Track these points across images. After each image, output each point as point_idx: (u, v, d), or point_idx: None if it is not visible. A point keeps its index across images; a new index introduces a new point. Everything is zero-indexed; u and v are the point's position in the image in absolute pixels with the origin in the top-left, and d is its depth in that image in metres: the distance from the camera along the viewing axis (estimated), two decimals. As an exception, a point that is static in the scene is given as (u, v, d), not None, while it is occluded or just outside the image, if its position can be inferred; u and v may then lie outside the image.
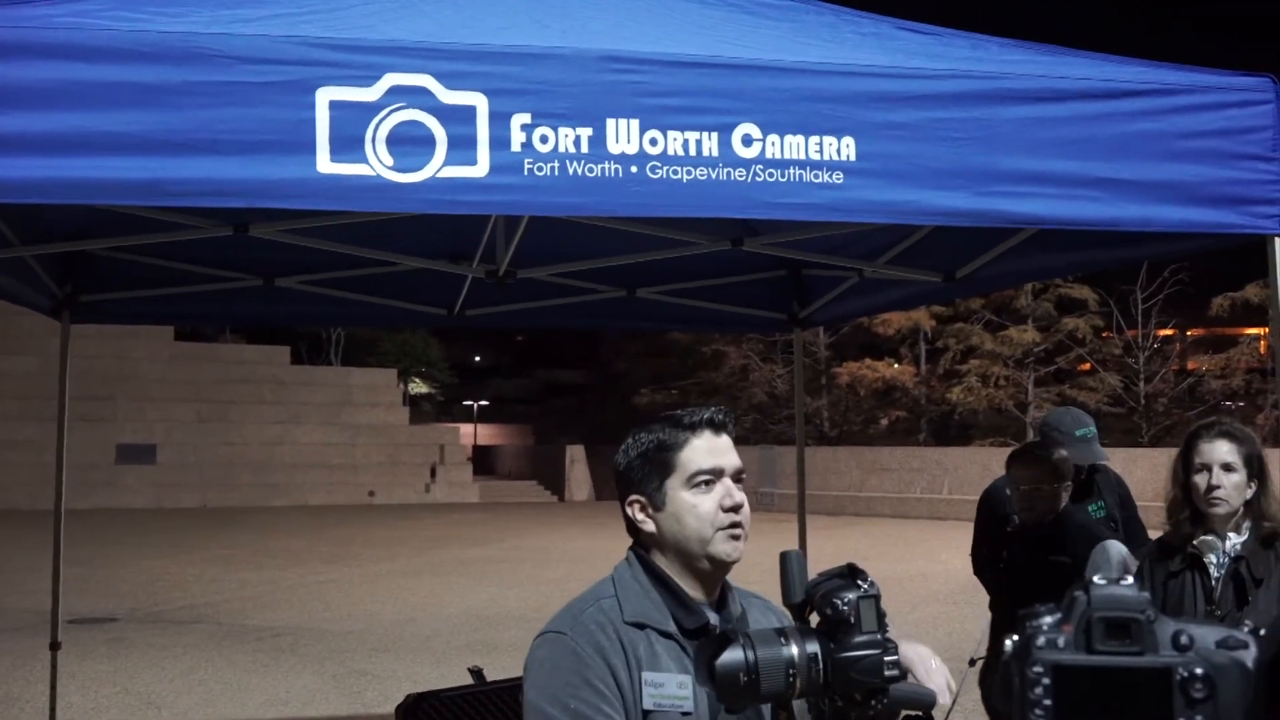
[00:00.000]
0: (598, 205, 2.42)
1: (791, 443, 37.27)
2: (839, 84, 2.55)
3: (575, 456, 41.41)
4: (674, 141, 2.43)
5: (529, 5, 2.65)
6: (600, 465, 40.72)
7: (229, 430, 35.43)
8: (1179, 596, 3.40)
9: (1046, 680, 0.99)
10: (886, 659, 1.60)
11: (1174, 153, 2.82)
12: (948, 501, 24.17)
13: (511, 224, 4.24)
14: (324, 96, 2.30)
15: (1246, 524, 3.37)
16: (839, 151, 2.51)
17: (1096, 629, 1.01)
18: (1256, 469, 3.37)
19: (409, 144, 2.32)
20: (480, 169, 2.35)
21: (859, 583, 1.67)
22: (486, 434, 69.76)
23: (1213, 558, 3.39)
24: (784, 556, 1.83)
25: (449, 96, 2.35)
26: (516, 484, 43.92)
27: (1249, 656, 1.02)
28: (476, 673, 4.30)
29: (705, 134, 2.44)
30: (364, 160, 2.31)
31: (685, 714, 1.92)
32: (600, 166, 2.39)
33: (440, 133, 2.33)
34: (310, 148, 2.29)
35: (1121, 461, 23.43)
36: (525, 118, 2.37)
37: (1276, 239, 2.88)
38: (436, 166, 2.33)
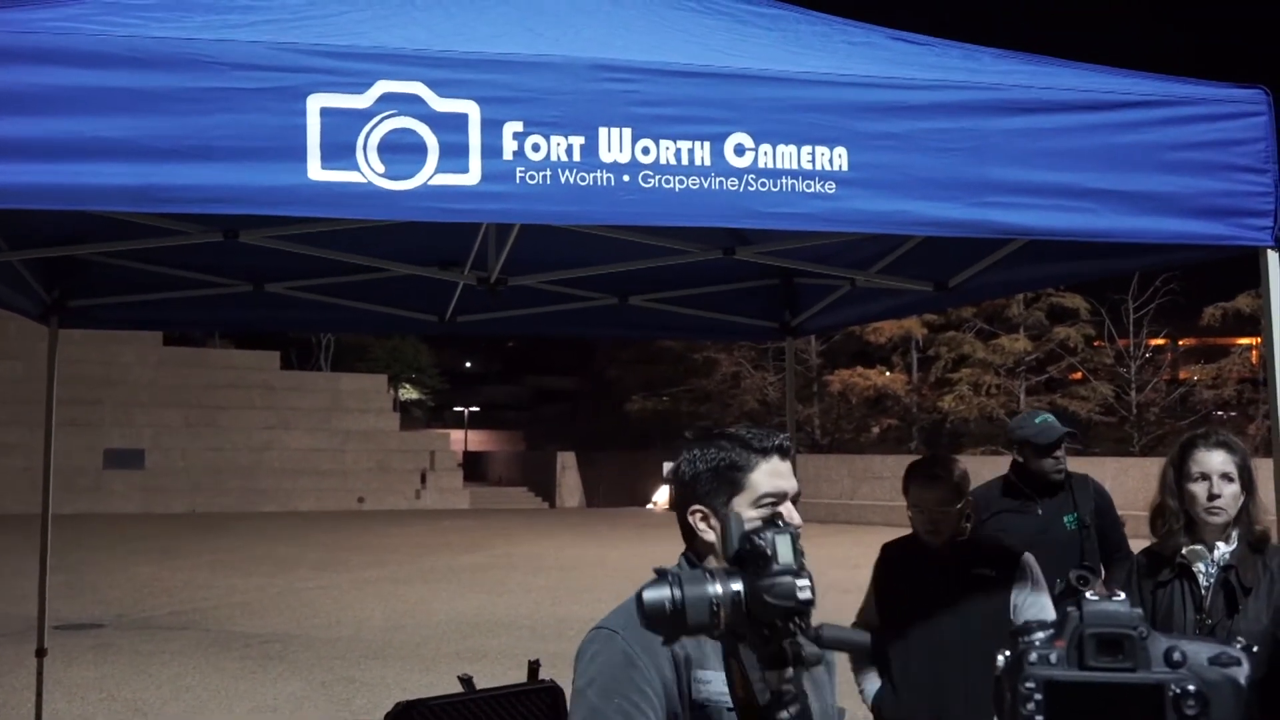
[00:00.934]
0: (590, 214, 2.42)
1: (782, 450, 37.54)
2: (831, 94, 2.54)
3: (566, 463, 41.41)
4: (666, 150, 2.42)
5: (522, 13, 2.65)
6: (591, 472, 40.74)
7: (218, 435, 35.36)
8: (1168, 607, 3.40)
9: (1039, 696, 0.99)
10: (799, 583, 1.72)
11: (1166, 164, 2.82)
12: (938, 510, 24.17)
13: (503, 231, 4.23)
14: (315, 103, 2.29)
15: (1235, 533, 3.38)
16: (831, 161, 2.51)
17: (1089, 645, 1.00)
18: (1247, 479, 3.38)
19: (401, 151, 2.31)
20: (472, 177, 2.34)
21: (778, 523, 1.85)
22: (477, 440, 69.72)
23: (1201, 566, 3.39)
24: (723, 517, 2.04)
25: (441, 104, 2.34)
26: (507, 490, 43.93)
27: (1241, 673, 1.02)
28: (466, 681, 4.29)
29: (697, 143, 2.44)
30: (355, 167, 2.30)
31: (730, 709, 2.00)
32: (592, 175, 2.39)
33: (432, 140, 2.33)
34: (301, 154, 2.28)
35: (1113, 471, 23.45)
36: (517, 126, 2.37)
37: (1269, 251, 2.88)
38: (428, 174, 2.32)
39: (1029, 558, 3.81)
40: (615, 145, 2.39)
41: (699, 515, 2.19)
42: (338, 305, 5.37)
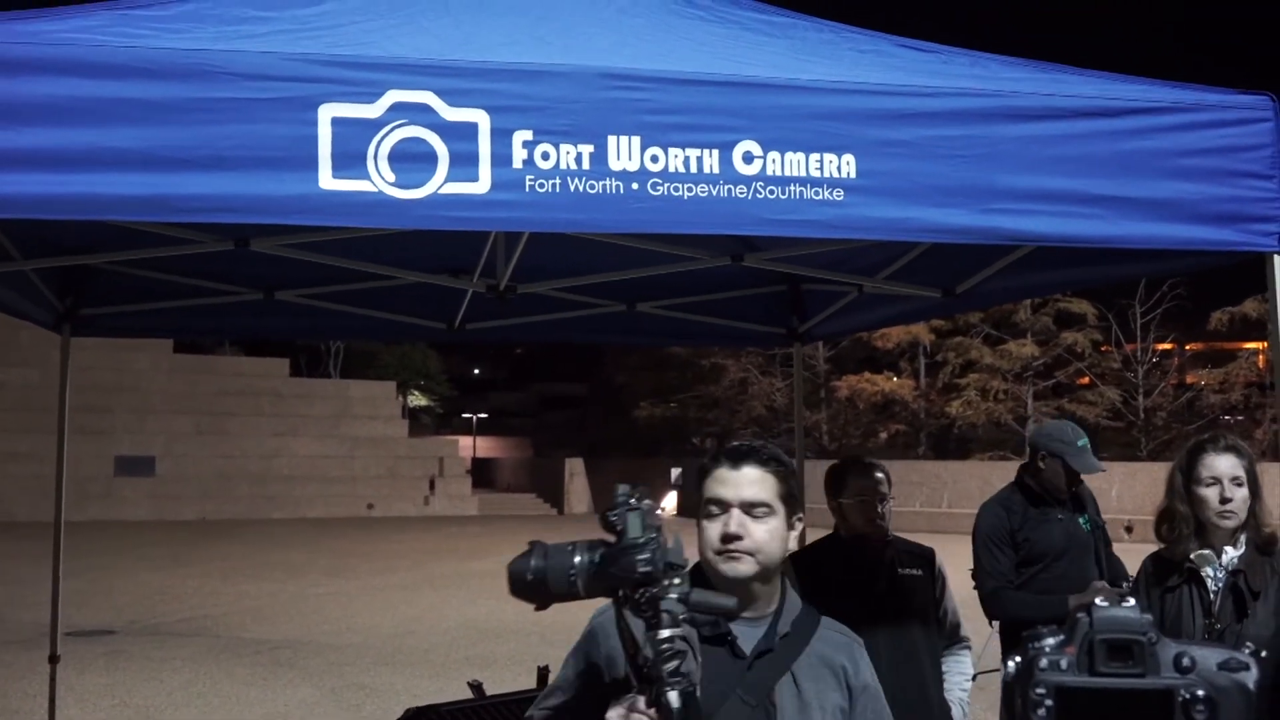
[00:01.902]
0: (599, 222, 2.43)
1: (791, 455, 37.57)
2: (839, 101, 2.56)
3: (574, 469, 41.39)
4: (675, 158, 2.43)
5: (531, 22, 2.66)
6: (599, 478, 40.68)
7: (227, 442, 35.41)
8: (1177, 611, 3.41)
9: (1049, 702, 0.99)
10: (639, 557, 1.90)
11: (1173, 170, 2.83)
12: (947, 515, 24.15)
13: (512, 239, 4.25)
14: (326, 113, 2.31)
15: (1243, 536, 3.39)
16: (839, 169, 2.52)
17: (1099, 651, 1.01)
18: (1254, 483, 3.39)
19: (411, 160, 2.33)
20: (482, 185, 2.36)
21: (631, 501, 1.98)
22: (485, 447, 69.69)
23: (1210, 571, 3.40)
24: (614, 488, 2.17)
25: (451, 113, 2.36)
26: (515, 497, 43.89)
27: (1250, 678, 1.03)
28: (476, 686, 4.30)
29: (706, 151, 2.45)
30: (366, 176, 2.32)
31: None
32: (601, 183, 2.40)
33: (442, 149, 2.34)
34: (313, 164, 2.30)
35: (1120, 475, 23.41)
36: (527, 134, 2.38)
37: (1275, 256, 2.89)
38: (438, 183, 2.34)
39: (940, 557, 4.00)
40: (624, 153, 2.41)
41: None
42: (347, 313, 5.39)
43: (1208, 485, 3.37)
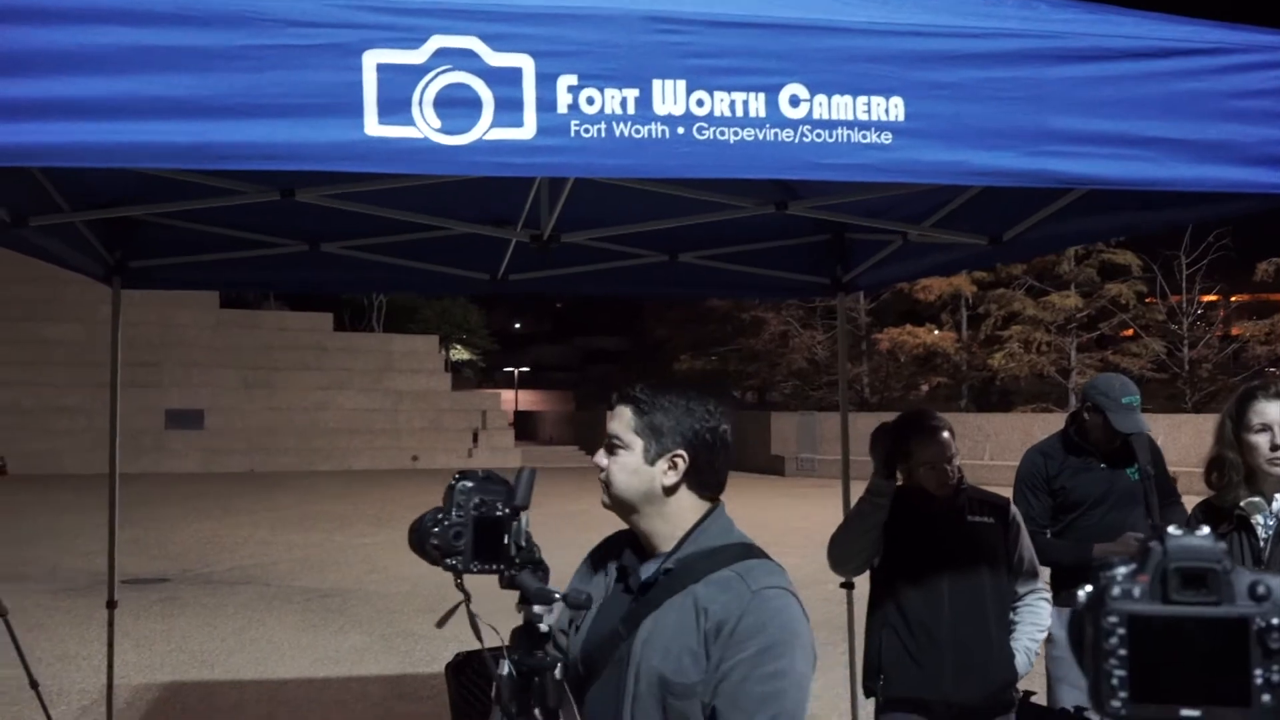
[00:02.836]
0: (645, 167, 2.41)
1: (831, 409, 37.11)
2: (887, 43, 2.52)
3: (616, 422, 41.51)
4: (721, 102, 2.41)
5: (576, -34, 2.64)
6: (641, 431, 40.75)
7: (274, 396, 35.82)
8: (1227, 559, 3.38)
9: (1122, 630, 0.99)
10: (433, 530, 2.27)
11: (1224, 112, 2.77)
12: (989, 467, 24.05)
13: (556, 187, 4.24)
14: (371, 59, 2.30)
15: None
16: (887, 112, 2.48)
17: (1173, 579, 1.01)
18: None
19: (456, 106, 2.32)
20: (527, 131, 2.34)
21: (465, 481, 2.35)
22: (527, 400, 70.07)
23: (1260, 519, 3.36)
24: (520, 470, 2.43)
25: (495, 58, 2.34)
26: (557, 449, 44.18)
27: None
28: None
29: (752, 94, 2.42)
30: (411, 123, 2.31)
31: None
32: (647, 128, 2.38)
33: (487, 95, 2.33)
34: (358, 110, 2.29)
35: (1165, 428, 23.18)
36: (572, 79, 2.36)
37: (1328, 200, 2.83)
38: (484, 129, 2.33)
39: (1015, 507, 4.02)
40: (670, 97, 2.38)
41: None
42: (391, 265, 5.41)
43: (1258, 432, 3.33)
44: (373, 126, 2.30)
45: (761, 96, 2.43)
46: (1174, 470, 5.19)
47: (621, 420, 2.37)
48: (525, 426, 54.23)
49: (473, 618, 2.28)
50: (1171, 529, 1.02)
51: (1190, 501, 3.72)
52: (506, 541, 2.32)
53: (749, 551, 2.30)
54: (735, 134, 2.42)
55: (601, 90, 2.37)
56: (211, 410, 34.93)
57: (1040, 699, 4.34)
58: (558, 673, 2.26)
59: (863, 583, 4.24)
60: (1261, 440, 3.31)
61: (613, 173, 2.43)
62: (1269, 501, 3.35)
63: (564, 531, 17.77)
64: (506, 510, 2.33)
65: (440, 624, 2.43)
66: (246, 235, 5.13)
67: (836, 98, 2.46)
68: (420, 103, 2.31)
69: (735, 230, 5.24)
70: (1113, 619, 0.99)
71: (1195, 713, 1.00)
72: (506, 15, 2.35)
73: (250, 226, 5.08)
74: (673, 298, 32.81)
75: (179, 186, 4.32)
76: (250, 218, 4.94)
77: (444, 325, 52.01)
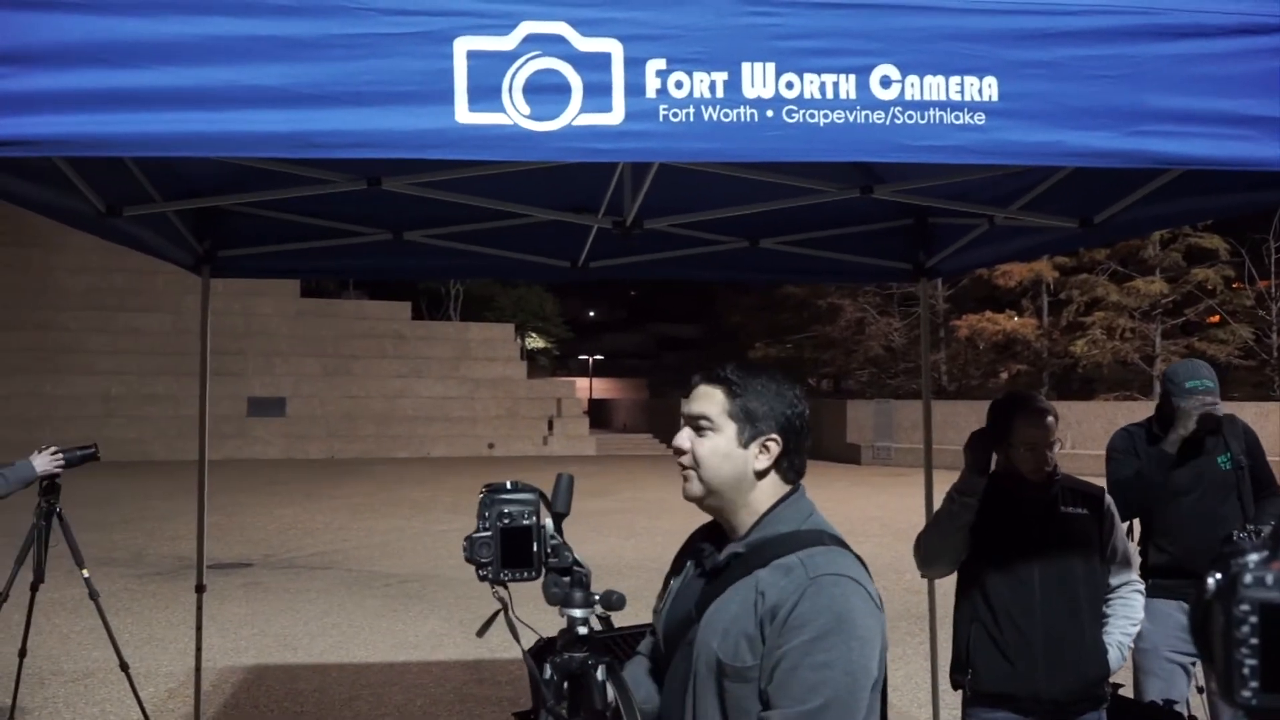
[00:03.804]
0: (733, 151, 2.39)
1: (907, 397, 36.67)
2: (980, 22, 2.47)
3: (690, 410, 41.52)
4: (810, 84, 2.38)
5: (662, -50, 2.62)
6: (715, 419, 40.69)
7: (353, 384, 36.39)
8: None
9: (1254, 619, 0.96)
10: (463, 544, 2.40)
11: (1328, 90, 2.68)
12: (1071, 456, 23.65)
13: (639, 174, 4.24)
14: (461, 46, 2.31)
15: None
16: (980, 92, 2.43)
17: None
18: None
19: (545, 92, 2.31)
20: (616, 116, 2.33)
21: (490, 494, 2.41)
22: (602, 388, 70.32)
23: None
24: (558, 476, 2.44)
25: (584, 44, 2.34)
26: (631, 437, 44.32)
27: None
28: (603, 620, 4.37)
29: (842, 76, 2.38)
30: (501, 109, 2.31)
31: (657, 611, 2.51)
32: (736, 111, 2.36)
33: (576, 80, 2.33)
34: (449, 98, 2.30)
35: (1252, 415, 22.54)
36: (660, 63, 2.35)
37: None
38: (573, 114, 2.32)
39: (1110, 498, 3.92)
40: (759, 80, 2.36)
41: None
42: (473, 252, 5.46)
43: None
44: (463, 114, 2.30)
45: (852, 78, 2.39)
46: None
47: (712, 402, 2.34)
48: (599, 414, 54.47)
49: (512, 625, 2.31)
50: None
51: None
52: (535, 549, 2.36)
53: (820, 538, 2.27)
54: (825, 116, 2.39)
55: (690, 74, 2.35)
56: (293, 398, 35.57)
57: (1126, 692, 4.26)
58: (599, 674, 2.30)
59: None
60: None
61: (701, 157, 2.41)
62: None
63: (638, 520, 17.90)
64: (534, 519, 2.37)
65: (480, 633, 2.49)
66: (331, 224, 5.20)
67: (928, 78, 2.42)
68: (510, 89, 2.32)
69: (816, 215, 5.20)
70: (1245, 607, 0.96)
71: (1329, 703, 0.97)
72: (595, 0, 2.35)
73: (335, 215, 5.15)
74: (752, 283, 32.71)
75: (268, 176, 4.39)
76: (335, 207, 5.01)
77: (520, 314, 52.40)
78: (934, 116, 2.41)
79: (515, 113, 2.32)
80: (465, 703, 7.39)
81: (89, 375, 33.06)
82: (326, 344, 36.27)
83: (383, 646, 9.05)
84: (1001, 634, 3.76)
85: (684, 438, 2.36)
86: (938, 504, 4.02)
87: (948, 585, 4.00)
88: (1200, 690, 4.89)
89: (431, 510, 19.38)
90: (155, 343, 33.58)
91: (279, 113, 2.31)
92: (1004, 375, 40.51)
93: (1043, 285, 38.02)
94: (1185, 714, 4.29)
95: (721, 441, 2.31)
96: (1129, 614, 3.86)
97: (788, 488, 2.36)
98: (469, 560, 2.36)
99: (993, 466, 3.82)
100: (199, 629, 5.69)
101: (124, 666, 6.12)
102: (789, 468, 2.35)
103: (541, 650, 3.84)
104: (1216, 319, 35.81)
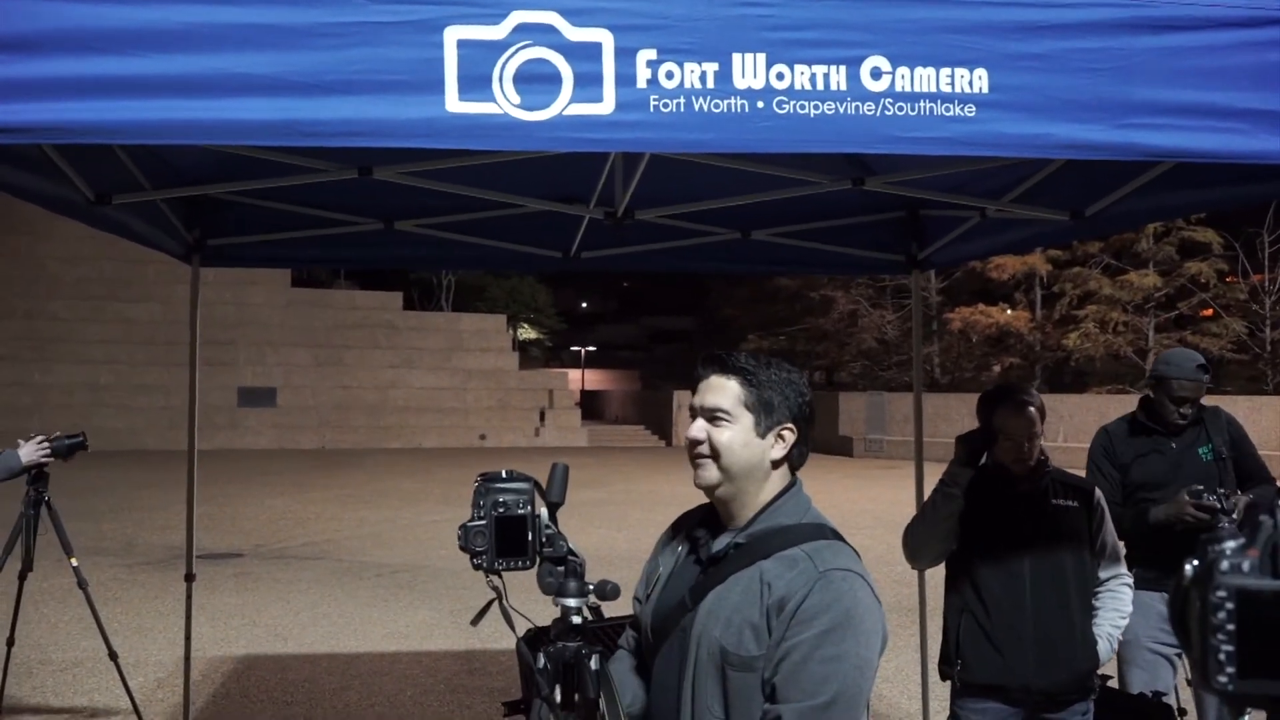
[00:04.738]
0: (724, 142, 2.39)
1: (899, 389, 36.66)
2: (971, 14, 2.47)
3: (682, 401, 41.54)
4: (801, 76, 2.38)
5: (653, -60, 2.61)
6: (707, 410, 40.75)
7: (344, 374, 36.35)
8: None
9: (1230, 605, 0.97)
10: (458, 532, 2.36)
11: (1319, 83, 2.69)
12: (1063, 449, 23.72)
13: (630, 164, 4.23)
14: (452, 35, 2.30)
15: None
16: (971, 84, 2.43)
17: None
18: None
19: (536, 82, 2.31)
20: (606, 106, 2.33)
21: (485, 483, 2.38)
22: (594, 379, 70.32)
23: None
24: (553, 465, 2.41)
25: (575, 33, 2.33)
26: (624, 428, 44.34)
27: None
28: (594, 609, 4.38)
29: (833, 68, 2.38)
30: (491, 99, 2.31)
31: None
32: (726, 102, 2.35)
33: (566, 70, 2.32)
34: (439, 87, 2.30)
35: (1245, 409, 22.71)
36: (651, 54, 2.34)
37: None
38: (563, 104, 2.32)
39: (1099, 491, 3.94)
40: (749, 71, 2.36)
41: None
42: (465, 242, 5.45)
43: None
44: (453, 103, 2.30)
45: (843, 69, 2.39)
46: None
47: (727, 394, 2.33)
48: (591, 406, 54.45)
49: (506, 614, 2.33)
50: None
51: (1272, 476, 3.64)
52: (530, 538, 2.36)
53: (821, 532, 2.29)
54: (815, 108, 2.39)
55: (681, 65, 2.35)
56: (284, 388, 35.53)
57: (1113, 683, 4.28)
58: (594, 663, 2.30)
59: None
60: None
61: (692, 148, 2.41)
62: None
63: (631, 512, 17.91)
64: (529, 508, 2.37)
65: (474, 622, 2.51)
66: (323, 213, 5.19)
67: (919, 70, 2.42)
68: (500, 79, 2.31)
69: (808, 207, 5.20)
70: (1221, 593, 0.97)
71: (1306, 687, 0.98)
72: (586, -11, 2.34)
73: (326, 205, 5.14)
74: (744, 274, 32.66)
75: (258, 165, 4.38)
76: (326, 196, 5.00)
77: (512, 304, 52.35)
78: (924, 108, 2.41)
79: (506, 102, 2.32)
80: (456, 693, 7.40)
81: (79, 364, 32.98)
82: (318, 334, 36.22)
83: (373, 636, 9.05)
84: (992, 625, 3.78)
85: (700, 429, 2.35)
86: (925, 495, 4.04)
87: (938, 577, 4.01)
88: (1189, 682, 4.91)
89: (423, 501, 19.38)
90: (145, 332, 33.50)
91: (270, 101, 2.30)
92: (997, 368, 40.57)
93: (1036, 278, 38.08)
94: (1175, 706, 4.31)
95: (739, 432, 2.32)
96: (1118, 606, 3.87)
97: (792, 479, 2.39)
98: (464, 549, 2.35)
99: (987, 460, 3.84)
100: (188, 618, 5.68)
101: (113, 656, 6.11)
102: (799, 456, 2.38)
103: (533, 638, 3.86)
104: (1210, 313, 35.90)
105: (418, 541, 14.46)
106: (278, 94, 2.29)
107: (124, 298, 33.57)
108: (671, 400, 41.15)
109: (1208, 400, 4.94)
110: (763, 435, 2.32)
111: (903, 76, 2.41)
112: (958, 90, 2.43)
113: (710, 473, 2.33)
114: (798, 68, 2.38)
